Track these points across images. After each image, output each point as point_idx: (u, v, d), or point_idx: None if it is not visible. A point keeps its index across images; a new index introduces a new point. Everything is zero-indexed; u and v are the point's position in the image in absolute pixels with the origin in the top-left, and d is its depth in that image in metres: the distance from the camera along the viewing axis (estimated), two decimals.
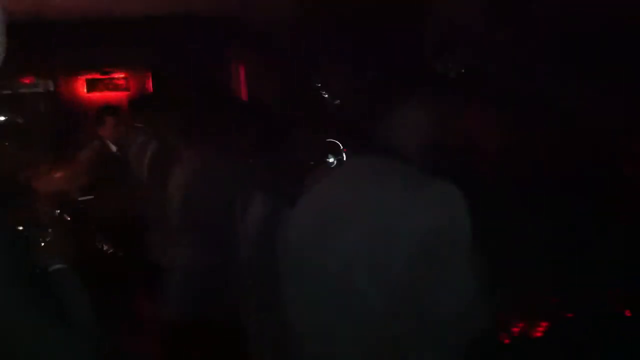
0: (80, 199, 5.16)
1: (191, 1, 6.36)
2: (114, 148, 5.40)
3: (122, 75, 8.21)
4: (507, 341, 2.87)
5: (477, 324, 1.71)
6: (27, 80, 8.67)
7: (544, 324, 2.95)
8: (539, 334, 2.92)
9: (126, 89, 8.30)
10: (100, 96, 8.16)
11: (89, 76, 8.18)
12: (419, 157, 1.80)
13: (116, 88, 8.29)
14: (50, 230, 4.44)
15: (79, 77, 8.26)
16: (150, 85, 8.37)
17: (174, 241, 3.71)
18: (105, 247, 4.92)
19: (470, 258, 1.61)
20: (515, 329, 2.89)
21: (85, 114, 7.73)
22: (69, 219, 4.98)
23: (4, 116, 8.56)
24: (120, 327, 5.10)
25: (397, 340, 1.64)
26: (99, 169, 5.08)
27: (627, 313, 3.16)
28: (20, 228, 4.44)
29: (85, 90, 8.35)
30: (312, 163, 1.80)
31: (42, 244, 3.77)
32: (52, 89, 8.88)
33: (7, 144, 7.45)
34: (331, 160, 1.73)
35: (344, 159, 1.70)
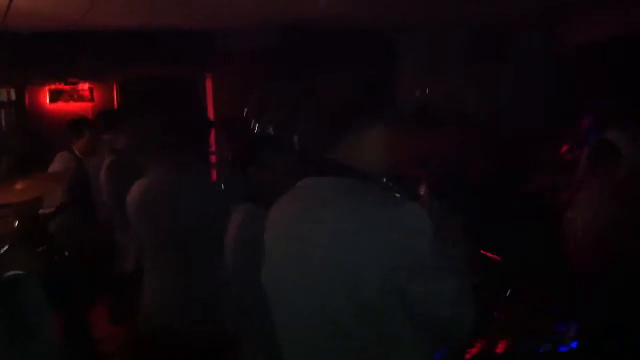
0: (41, 211, 5.07)
1: (159, 15, 6.33)
2: (81, 161, 5.30)
3: (87, 86, 8.11)
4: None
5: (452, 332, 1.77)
6: None
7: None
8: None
9: (91, 99, 8.20)
10: (63, 107, 8.04)
11: (53, 86, 8.06)
12: (382, 177, 1.86)
13: (81, 99, 8.18)
14: (8, 241, 4.35)
15: (43, 87, 8.13)
16: (115, 96, 8.30)
17: (140, 253, 3.67)
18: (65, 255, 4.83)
19: (437, 269, 1.68)
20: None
21: (47, 124, 7.63)
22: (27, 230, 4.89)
23: None
24: (78, 334, 5.05)
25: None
26: (67, 182, 4.99)
27: None
28: None
29: (47, 100, 8.22)
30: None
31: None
32: (13, 98, 8.74)
33: None
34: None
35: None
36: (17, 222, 4.67)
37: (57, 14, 5.87)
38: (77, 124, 5.51)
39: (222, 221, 2.83)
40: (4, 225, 4.67)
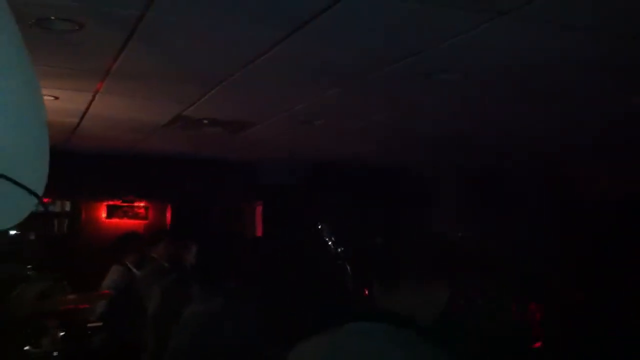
0: (89, 324, 5.25)
1: (212, 149, 6.77)
2: (133, 275, 5.52)
3: (142, 205, 8.50)
4: None
5: None
6: (45, 200, 8.97)
7: None
8: None
9: (145, 217, 8.56)
10: (118, 222, 8.41)
11: (110, 202, 8.48)
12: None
13: (135, 216, 8.55)
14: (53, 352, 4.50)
15: (100, 202, 8.55)
16: (168, 216, 8.65)
17: None
18: None
19: None
20: None
21: (103, 238, 7.95)
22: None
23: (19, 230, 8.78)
24: None
25: None
26: (115, 296, 5.18)
27: None
28: (26, 348, 4.55)
29: (104, 215, 8.62)
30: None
31: None
32: (67, 209, 9.14)
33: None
34: None
35: None
36: (62, 333, 4.88)
37: (117, 137, 6.27)
38: (128, 238, 5.81)
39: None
40: (51, 336, 4.89)
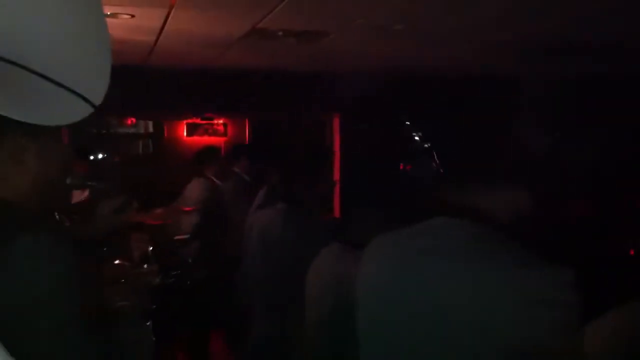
0: (176, 237, 5.36)
1: (288, 62, 6.63)
2: (217, 186, 5.56)
3: (221, 122, 8.54)
4: None
5: None
6: (129, 122, 9.13)
7: None
8: None
9: (224, 134, 8.61)
10: (199, 140, 8.50)
11: (190, 121, 8.55)
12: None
13: (215, 133, 8.62)
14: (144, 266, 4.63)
15: (180, 121, 8.64)
16: (247, 132, 8.68)
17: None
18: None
19: None
20: None
21: (184, 156, 8.06)
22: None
23: (108, 153, 9.01)
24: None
25: None
26: (203, 209, 5.22)
27: None
28: (117, 262, 4.67)
29: (185, 133, 8.72)
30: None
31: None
32: (151, 130, 9.29)
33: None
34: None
35: None
36: (151, 248, 4.99)
37: (194, 54, 6.21)
38: (209, 151, 5.82)
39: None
40: (140, 248, 5.01)
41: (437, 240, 1.65)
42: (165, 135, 8.85)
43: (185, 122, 8.61)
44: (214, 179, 5.57)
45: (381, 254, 1.79)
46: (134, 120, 9.01)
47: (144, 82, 6.64)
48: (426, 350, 1.54)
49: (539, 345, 1.40)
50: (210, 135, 8.56)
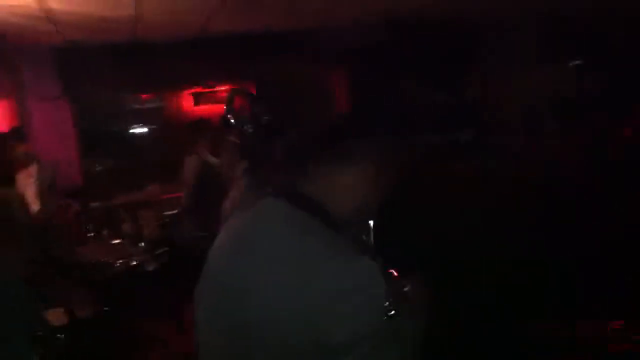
0: (165, 213, 5.26)
1: (282, 19, 6.44)
2: (209, 163, 5.25)
3: (223, 89, 8.37)
4: None
5: None
6: (147, 96, 9.04)
7: None
8: None
9: None
10: (208, 109, 8.35)
11: (193, 90, 8.41)
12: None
13: (220, 101, 8.46)
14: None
15: (186, 91, 8.51)
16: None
17: None
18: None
19: None
20: None
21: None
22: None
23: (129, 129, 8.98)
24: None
25: None
26: (194, 186, 5.09)
27: None
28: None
29: (192, 104, 8.60)
30: None
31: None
32: (162, 103, 9.20)
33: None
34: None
35: None
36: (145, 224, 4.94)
37: (182, 21, 6.02)
38: (197, 125, 5.52)
39: None
40: (135, 227, 4.95)
41: (257, 222, 1.60)
42: (174, 107, 8.75)
43: (189, 92, 8.47)
44: (208, 155, 5.28)
45: (220, 235, 1.74)
46: (152, 95, 8.90)
47: (142, 56, 6.55)
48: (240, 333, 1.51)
49: (348, 332, 1.39)
50: (215, 103, 8.40)
